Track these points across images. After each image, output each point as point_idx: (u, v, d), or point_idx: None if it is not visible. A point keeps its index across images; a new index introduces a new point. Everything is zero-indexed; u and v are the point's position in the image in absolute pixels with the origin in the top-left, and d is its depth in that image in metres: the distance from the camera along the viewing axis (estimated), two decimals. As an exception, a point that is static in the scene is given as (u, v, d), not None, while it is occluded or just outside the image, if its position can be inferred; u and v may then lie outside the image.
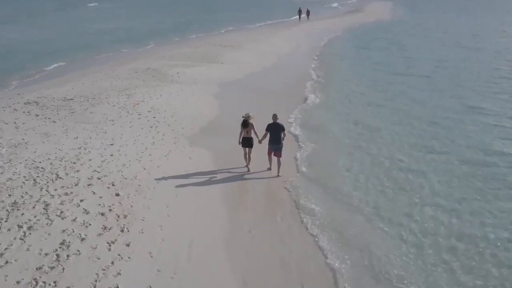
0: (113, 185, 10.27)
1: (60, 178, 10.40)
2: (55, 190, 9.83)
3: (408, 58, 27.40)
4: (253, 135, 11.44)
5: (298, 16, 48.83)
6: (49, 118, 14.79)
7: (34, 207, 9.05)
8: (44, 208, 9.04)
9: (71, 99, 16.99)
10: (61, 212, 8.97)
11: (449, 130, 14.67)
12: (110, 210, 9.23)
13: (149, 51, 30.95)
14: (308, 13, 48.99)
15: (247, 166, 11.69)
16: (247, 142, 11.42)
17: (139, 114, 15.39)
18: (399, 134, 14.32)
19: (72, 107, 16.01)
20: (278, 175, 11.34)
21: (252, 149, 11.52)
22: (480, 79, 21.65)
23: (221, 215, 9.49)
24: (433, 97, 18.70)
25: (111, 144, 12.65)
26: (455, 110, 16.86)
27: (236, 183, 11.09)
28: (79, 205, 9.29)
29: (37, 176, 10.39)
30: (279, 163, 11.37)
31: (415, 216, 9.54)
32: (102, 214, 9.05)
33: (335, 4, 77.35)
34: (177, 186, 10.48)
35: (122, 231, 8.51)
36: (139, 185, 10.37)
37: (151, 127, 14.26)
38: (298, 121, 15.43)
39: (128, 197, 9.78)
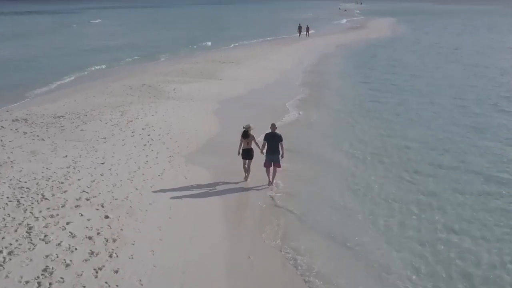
0: (102, 206, 9.93)
1: (46, 199, 10.07)
2: (40, 212, 9.48)
3: (413, 75, 27.18)
4: (253, 146, 11.57)
5: (298, 33, 49.21)
6: (38, 136, 14.53)
7: (16, 231, 8.68)
8: (27, 232, 8.67)
9: (62, 116, 16.77)
10: (45, 235, 8.60)
11: (453, 155, 13.94)
12: (98, 233, 8.85)
13: (145, 67, 30.95)
14: (307, 29, 49.47)
15: (245, 177, 11.78)
16: (247, 154, 11.57)
17: (132, 132, 15.14)
18: (398, 155, 13.95)
19: (63, 125, 15.76)
20: (271, 183, 11.51)
21: (252, 161, 11.66)
22: (485, 97, 21.40)
23: (218, 239, 9.10)
24: (436, 115, 18.33)
25: (102, 163, 12.35)
26: (458, 129, 16.45)
27: (234, 204, 10.75)
28: (65, 228, 8.93)
29: (21, 197, 10.05)
30: (275, 172, 11.53)
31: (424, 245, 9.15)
32: (90, 238, 8.68)
33: (344, 21, 79.44)
34: (171, 208, 10.11)
35: (110, 256, 8.12)
36: (130, 206, 10.02)
37: (144, 145, 13.98)
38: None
39: (118, 220, 9.42)
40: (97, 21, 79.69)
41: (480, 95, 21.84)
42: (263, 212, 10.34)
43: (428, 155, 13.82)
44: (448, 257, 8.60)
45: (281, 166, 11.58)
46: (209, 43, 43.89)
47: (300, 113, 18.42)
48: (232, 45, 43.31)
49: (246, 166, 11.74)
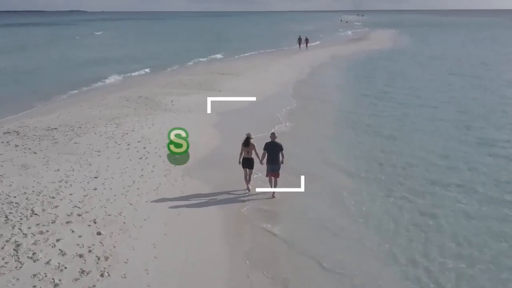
0: (94, 222, 9.67)
1: (35, 214, 9.82)
2: (29, 228, 9.22)
3: (413, 88, 26.90)
4: (253, 155, 11.52)
5: (298, 45, 49.42)
6: (30, 149, 14.32)
7: (3, 248, 8.42)
8: (14, 249, 8.41)
9: (55, 129, 16.58)
10: (34, 253, 8.34)
11: (455, 172, 13.35)
12: (89, 251, 8.59)
13: (143, 78, 31.01)
14: (307, 42, 49.68)
15: (247, 188, 11.68)
16: (247, 163, 11.54)
17: (128, 145, 14.94)
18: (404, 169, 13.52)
19: (56, 137, 15.57)
20: (273, 196, 11.37)
21: (253, 170, 11.66)
22: (489, 110, 21.02)
23: (216, 257, 8.81)
24: (437, 130, 17.83)
25: (95, 177, 12.12)
26: (461, 145, 15.94)
27: (234, 219, 10.45)
28: (55, 245, 8.67)
29: (10, 213, 9.80)
30: (275, 183, 11.45)
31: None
32: (81, 255, 8.41)
33: (345, 33, 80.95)
34: (166, 224, 9.85)
35: (102, 275, 7.85)
36: (124, 222, 9.76)
37: (140, 158, 13.77)
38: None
39: (110, 236, 9.16)
40: (99, 33, 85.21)
41: (484, 108, 21.46)
42: (263, 227, 10.05)
43: (428, 173, 13.16)
44: (444, 282, 8.15)
45: (279, 175, 11.48)
46: (209, 55, 44.04)
47: (295, 125, 18.21)
48: (229, 56, 43.52)
49: (247, 176, 11.69)
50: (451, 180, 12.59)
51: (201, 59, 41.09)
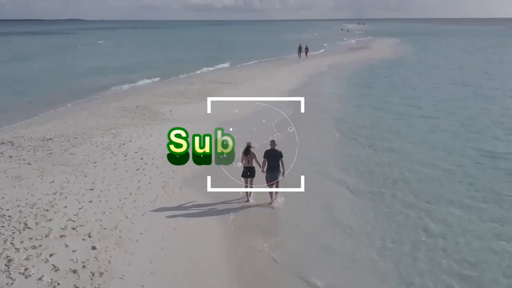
0: (89, 236, 9.51)
1: (28, 228, 9.65)
2: (21, 242, 9.06)
3: (415, 98, 26.66)
4: (254, 164, 11.45)
5: (298, 54, 49.46)
6: (24, 160, 14.18)
7: (-6, 264, 8.25)
8: (5, 265, 8.24)
9: (51, 139, 16.46)
10: (26, 269, 8.16)
11: (460, 187, 12.92)
12: (83, 266, 8.42)
13: (141, 88, 30.98)
14: (306, 50, 49.70)
15: (247, 198, 11.71)
16: (248, 172, 11.45)
17: (125, 155, 14.80)
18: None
19: (51, 148, 15.44)
20: (272, 204, 11.41)
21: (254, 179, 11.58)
22: (495, 121, 20.65)
23: (216, 273, 8.63)
24: (440, 142, 17.40)
25: (91, 189, 11.97)
26: (465, 157, 15.53)
27: (233, 232, 10.27)
28: (48, 260, 8.50)
29: (2, 226, 9.64)
30: (276, 192, 11.44)
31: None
32: (74, 271, 8.24)
33: (353, 41, 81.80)
34: (163, 238, 9.67)
35: (96, 292, 7.68)
36: (120, 236, 9.59)
37: (137, 169, 13.63)
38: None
39: (106, 251, 8.98)
40: (101, 41, 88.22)
41: (488, 119, 20.98)
42: (264, 239, 9.87)
43: (427, 187, 12.79)
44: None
45: (279, 185, 11.42)
46: (208, 64, 44.07)
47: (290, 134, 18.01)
48: (228, 64, 43.62)
49: (248, 185, 11.61)
50: (451, 196, 12.20)
51: (203, 69, 41.08)
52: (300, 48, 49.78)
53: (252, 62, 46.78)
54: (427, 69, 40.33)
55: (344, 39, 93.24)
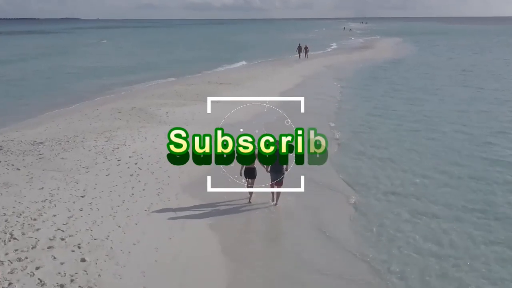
0: (79, 247, 9.18)
1: (14, 238, 9.33)
2: (6, 254, 8.73)
3: (419, 99, 26.16)
4: (256, 165, 11.27)
5: (297, 54, 49.12)
6: (13, 165, 13.86)
7: (-24, 278, 7.93)
8: (-12, 279, 7.92)
9: (41, 143, 16.15)
10: (10, 283, 7.85)
11: (469, 193, 12.51)
12: (72, 280, 8.09)
13: (137, 89, 30.71)
14: (306, 50, 49.31)
15: (249, 200, 11.70)
16: (250, 173, 11.40)
17: (118, 160, 14.48)
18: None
19: (41, 152, 15.12)
20: (275, 204, 11.55)
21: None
22: (504, 124, 20.05)
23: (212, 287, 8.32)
24: (445, 146, 16.88)
25: (82, 196, 11.65)
26: (472, 162, 15.04)
27: (233, 242, 9.95)
28: (34, 274, 8.17)
29: (-14, 237, 9.32)
30: (277, 194, 11.54)
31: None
32: (62, 286, 7.91)
33: (361, 40, 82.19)
34: (157, 249, 9.34)
35: (84, 309, 7.35)
36: (111, 247, 9.26)
37: (131, 175, 13.30)
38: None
39: (96, 264, 8.65)
40: (105, 41, 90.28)
41: (497, 122, 20.38)
42: (266, 246, 9.57)
43: (439, 194, 12.39)
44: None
45: (282, 185, 11.35)
46: (207, 64, 43.78)
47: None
48: (228, 65, 43.52)
49: (250, 186, 11.57)
50: (458, 202, 11.84)
51: (202, 69, 40.79)
52: (299, 47, 49.42)
53: (252, 63, 46.53)
54: (432, 70, 39.82)
55: (352, 38, 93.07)
